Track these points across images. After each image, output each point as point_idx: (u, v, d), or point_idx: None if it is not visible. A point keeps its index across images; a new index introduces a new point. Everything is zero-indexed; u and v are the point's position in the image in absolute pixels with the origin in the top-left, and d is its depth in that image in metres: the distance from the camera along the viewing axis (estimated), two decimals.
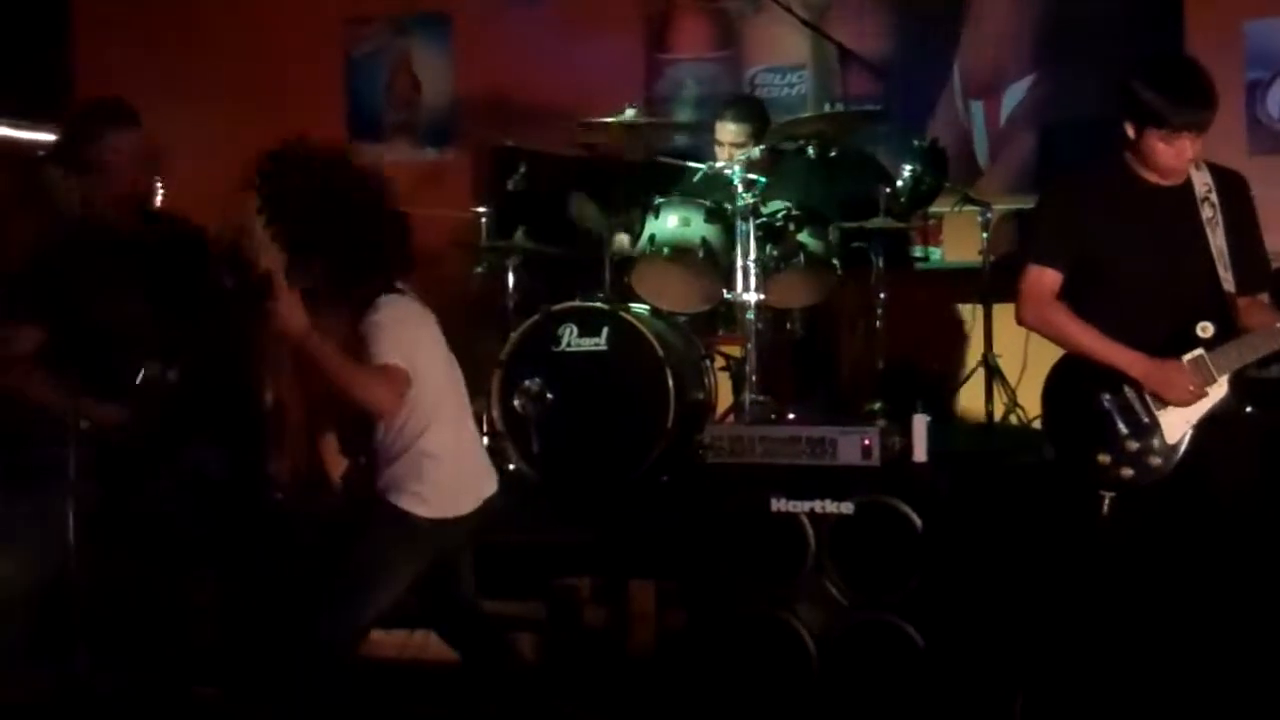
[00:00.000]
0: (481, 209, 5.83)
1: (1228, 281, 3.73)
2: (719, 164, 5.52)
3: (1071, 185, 3.93)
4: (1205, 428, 3.68)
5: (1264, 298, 3.80)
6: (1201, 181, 3.76)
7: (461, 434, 3.92)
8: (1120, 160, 3.78)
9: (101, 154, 4.08)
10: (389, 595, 3.80)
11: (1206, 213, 3.73)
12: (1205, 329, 3.68)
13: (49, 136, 5.99)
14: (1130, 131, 3.70)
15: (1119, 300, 3.77)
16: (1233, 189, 3.81)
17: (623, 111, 5.55)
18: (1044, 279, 3.80)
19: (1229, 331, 3.69)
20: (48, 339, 4.01)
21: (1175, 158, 3.67)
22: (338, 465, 4.00)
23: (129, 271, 4.12)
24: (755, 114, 5.76)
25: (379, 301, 3.84)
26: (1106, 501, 3.70)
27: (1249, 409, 3.77)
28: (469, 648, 4.10)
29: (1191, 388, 3.65)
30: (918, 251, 6.12)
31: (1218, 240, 3.73)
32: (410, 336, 3.83)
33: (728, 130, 5.65)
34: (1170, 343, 3.70)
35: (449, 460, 3.84)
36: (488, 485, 3.94)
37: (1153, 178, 3.75)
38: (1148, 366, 3.68)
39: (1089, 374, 3.75)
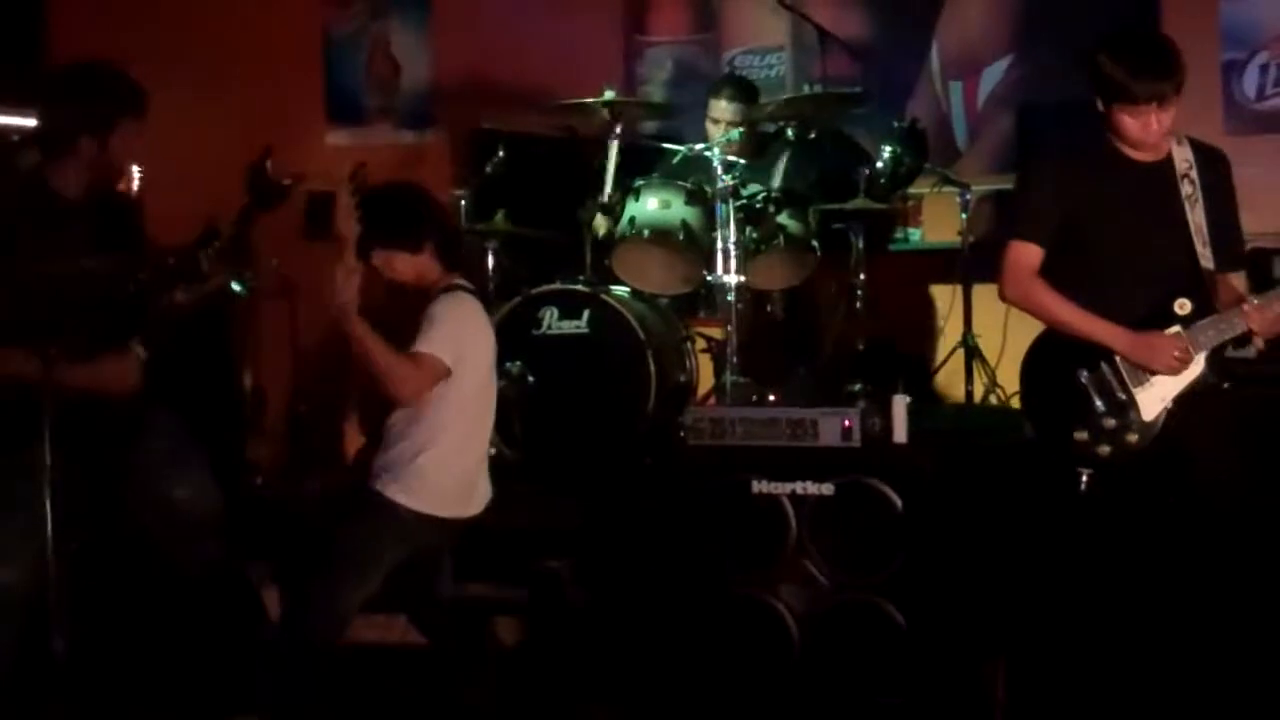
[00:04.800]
0: (461, 192, 5.80)
1: (1205, 258, 3.73)
2: (699, 146, 5.51)
3: (1053, 161, 3.93)
4: (1182, 405, 3.69)
5: (1235, 277, 3.81)
6: (1182, 157, 3.76)
7: (470, 448, 3.95)
8: (1102, 136, 3.77)
9: (106, 149, 3.97)
10: (373, 580, 3.83)
11: (1186, 189, 3.73)
12: (1183, 305, 3.68)
13: (23, 121, 5.97)
14: (1100, 107, 3.71)
15: (1098, 275, 3.77)
16: (1214, 165, 3.81)
17: (602, 93, 5.53)
18: (1026, 255, 3.79)
19: (1207, 309, 3.69)
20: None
21: (1142, 130, 3.67)
22: (355, 442, 4.01)
23: (80, 236, 4.03)
24: (750, 94, 5.77)
25: (454, 294, 3.92)
26: (1084, 478, 3.71)
27: (1225, 385, 3.74)
28: (437, 636, 4.16)
29: (1176, 353, 3.65)
30: (897, 233, 6.12)
31: (1196, 216, 3.73)
32: (466, 337, 3.89)
33: (721, 109, 5.66)
34: (1148, 319, 3.70)
35: (449, 465, 3.87)
36: (475, 505, 3.98)
37: (1132, 153, 3.75)
38: (1131, 339, 3.69)
39: (1066, 352, 3.75)
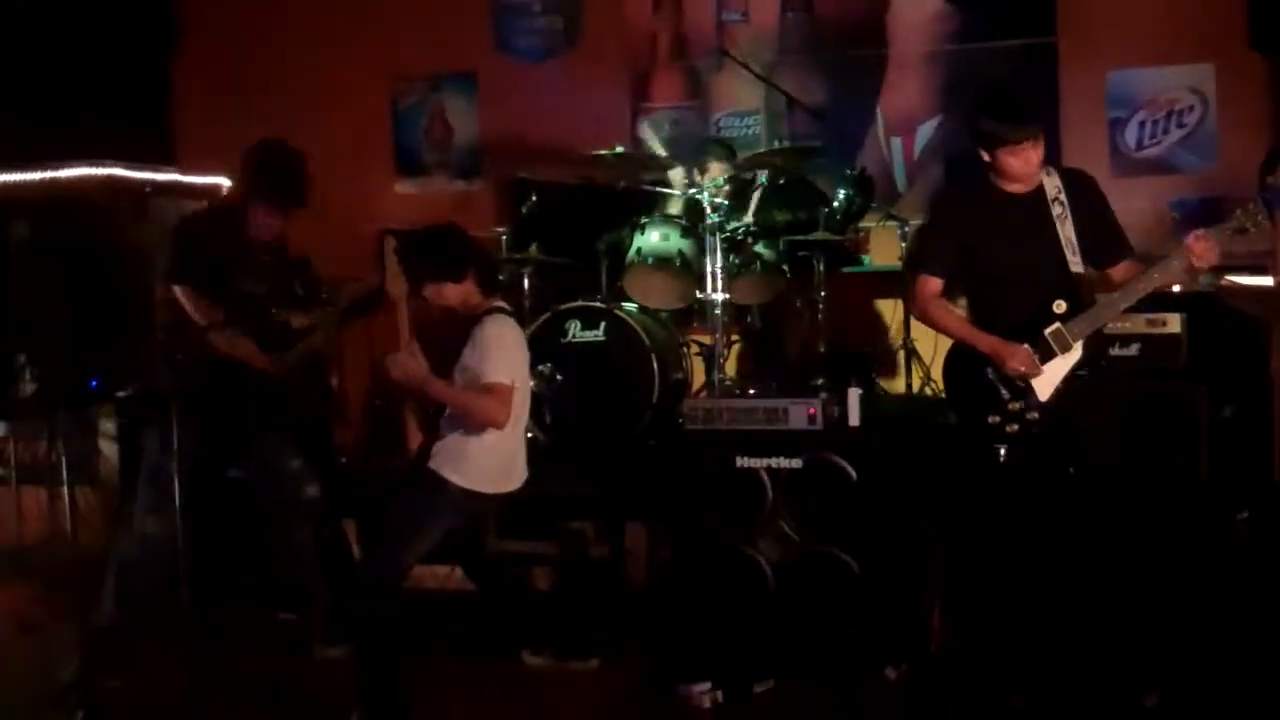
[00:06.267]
0: (502, 229, 5.79)
1: (1075, 265, 3.70)
2: (691, 189, 5.51)
3: (946, 205, 3.95)
4: (1068, 384, 3.68)
5: (1128, 262, 3.75)
6: (1052, 185, 3.73)
7: (511, 436, 3.93)
8: (983, 179, 3.75)
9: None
10: (427, 542, 3.84)
11: (1056, 210, 3.70)
12: (1059, 305, 3.67)
13: (154, 175, 5.99)
14: (985, 156, 3.69)
15: (992, 289, 3.77)
16: (1080, 185, 3.78)
17: (613, 149, 5.52)
18: (928, 285, 3.82)
19: (1079, 305, 3.68)
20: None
21: (1024, 165, 3.65)
22: (415, 439, 3.99)
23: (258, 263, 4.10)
24: (730, 151, 5.74)
25: (494, 318, 3.89)
26: (1001, 452, 3.69)
27: (1103, 363, 3.74)
28: (485, 583, 4.19)
29: (1024, 366, 3.64)
30: (851, 258, 6.10)
31: (1066, 231, 3.69)
32: (513, 356, 3.88)
33: (710, 164, 5.63)
34: (1035, 318, 3.68)
35: (493, 451, 3.87)
36: (515, 481, 3.97)
37: (1010, 186, 3.72)
38: (993, 344, 3.69)
39: (975, 355, 3.74)
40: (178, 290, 3.98)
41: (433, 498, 3.81)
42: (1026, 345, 3.66)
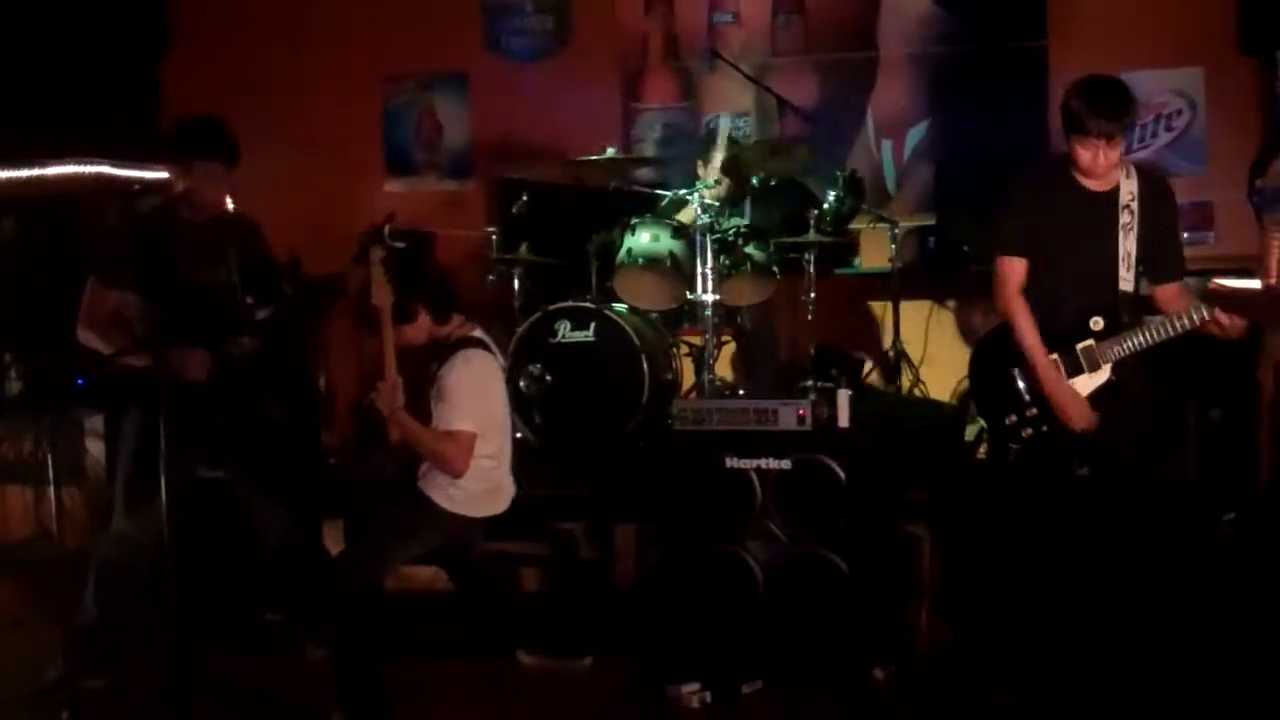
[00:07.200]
0: (492, 229, 5.77)
1: (1126, 281, 3.61)
2: (682, 191, 5.49)
3: (1019, 182, 3.73)
4: (1091, 404, 3.62)
5: (1177, 286, 3.67)
6: (1128, 189, 3.61)
7: (496, 463, 3.94)
8: (1063, 163, 3.63)
9: (189, 180, 4.00)
10: (406, 557, 3.90)
11: (1124, 219, 3.59)
12: (1097, 323, 3.61)
13: (142, 174, 5.95)
14: (1066, 138, 3.58)
15: (1040, 277, 3.66)
16: (1157, 195, 3.67)
17: (605, 150, 5.50)
18: (1014, 269, 3.66)
19: (1117, 325, 3.60)
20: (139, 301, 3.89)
21: (1090, 160, 3.53)
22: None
23: (207, 250, 4.01)
24: (722, 153, 5.72)
25: (461, 355, 3.86)
26: (1012, 451, 3.68)
27: (1128, 390, 3.63)
28: (465, 586, 4.18)
29: (1081, 423, 3.57)
30: (841, 260, 6.10)
31: (1127, 244, 3.59)
32: (479, 396, 3.85)
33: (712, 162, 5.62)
34: (1071, 329, 3.62)
35: (479, 478, 3.87)
36: (503, 504, 3.98)
37: (1084, 180, 3.61)
38: (1062, 394, 3.59)
39: (1006, 354, 3.70)
40: (106, 296, 3.89)
41: (419, 518, 3.84)
42: (1082, 345, 3.59)
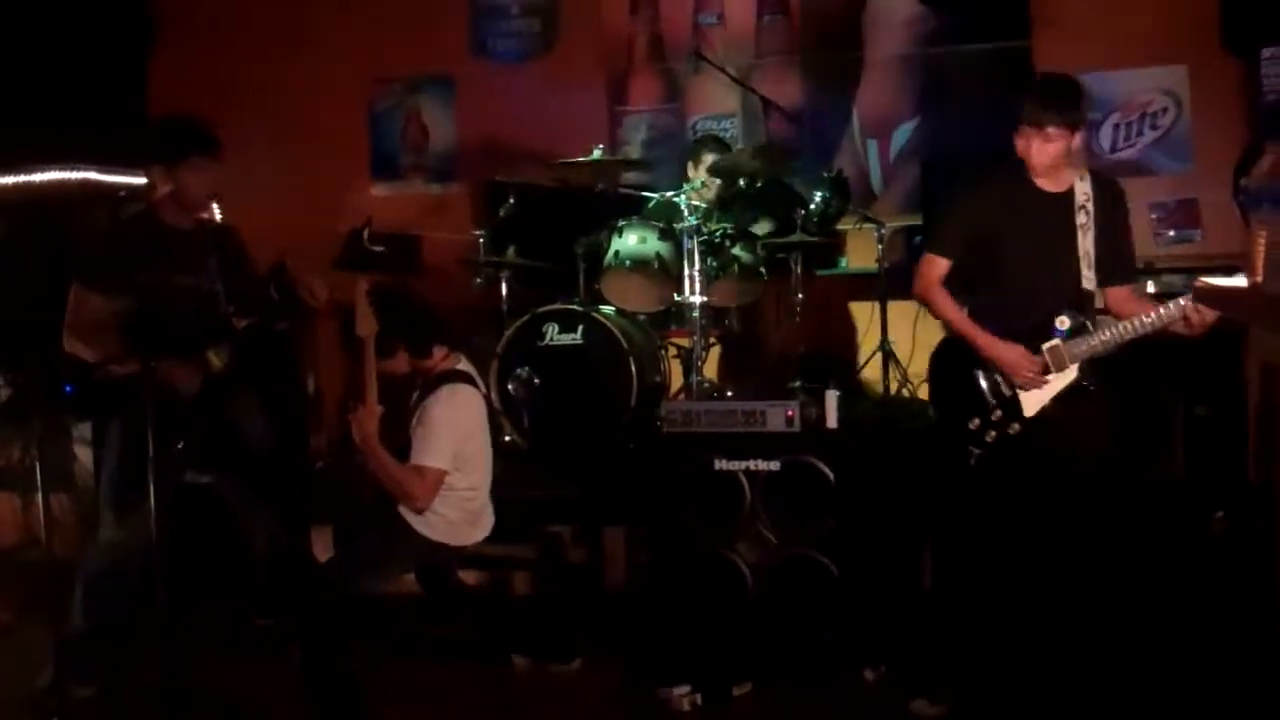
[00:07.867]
0: (479, 232, 5.76)
1: (1089, 280, 3.62)
2: (669, 193, 5.48)
3: (967, 185, 3.75)
4: (1057, 404, 3.61)
5: (1128, 289, 3.68)
6: (1083, 190, 3.62)
7: (475, 494, 3.96)
8: (1019, 164, 3.63)
9: (175, 177, 3.98)
10: (383, 578, 3.94)
11: (1080, 219, 3.60)
12: (1063, 321, 3.59)
13: (128, 179, 5.93)
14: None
15: (1000, 280, 3.66)
16: (1110, 196, 3.68)
17: (591, 152, 5.49)
18: (934, 266, 3.71)
19: (1083, 325, 3.59)
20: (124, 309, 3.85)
21: (1024, 149, 3.54)
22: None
23: (189, 257, 3.99)
24: (725, 148, 5.73)
25: (446, 389, 3.88)
26: (974, 456, 3.66)
27: (1093, 388, 3.61)
28: (438, 601, 4.19)
29: (1031, 373, 3.56)
30: (828, 260, 6.10)
31: (1085, 243, 3.59)
32: (458, 432, 3.86)
33: (705, 161, 5.59)
34: (1035, 328, 3.61)
35: (458, 507, 3.89)
36: (482, 532, 4.00)
37: (1039, 181, 3.61)
38: (994, 348, 3.61)
39: (967, 355, 3.68)
40: (90, 300, 3.87)
41: (397, 543, 3.87)
42: (1048, 345, 3.57)
